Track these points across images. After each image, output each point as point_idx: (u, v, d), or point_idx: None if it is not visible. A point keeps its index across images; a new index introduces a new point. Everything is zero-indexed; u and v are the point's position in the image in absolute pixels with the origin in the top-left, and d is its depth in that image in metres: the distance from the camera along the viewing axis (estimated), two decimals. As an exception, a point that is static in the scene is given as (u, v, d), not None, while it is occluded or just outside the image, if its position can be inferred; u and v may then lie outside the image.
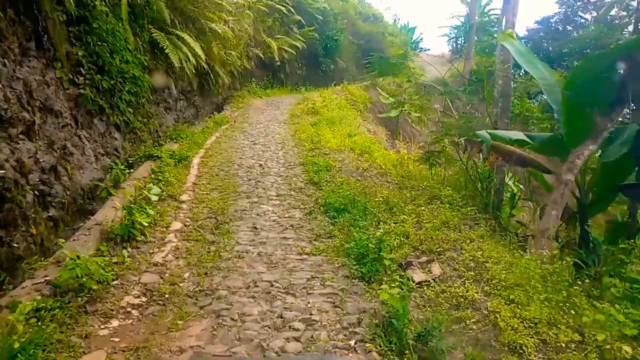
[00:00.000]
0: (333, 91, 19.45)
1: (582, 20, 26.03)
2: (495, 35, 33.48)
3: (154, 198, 6.32)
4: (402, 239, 5.35)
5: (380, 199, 6.88)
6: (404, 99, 20.01)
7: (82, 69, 7.25)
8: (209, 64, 13.42)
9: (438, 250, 5.05)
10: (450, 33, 34.38)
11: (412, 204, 6.59)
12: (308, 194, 7.43)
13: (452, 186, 7.73)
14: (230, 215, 6.45)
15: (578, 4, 25.96)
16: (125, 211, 5.28)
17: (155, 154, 8.27)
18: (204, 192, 7.32)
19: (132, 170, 7.69)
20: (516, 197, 8.19)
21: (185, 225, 6.04)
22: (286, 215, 6.51)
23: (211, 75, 13.47)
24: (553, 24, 26.11)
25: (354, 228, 5.71)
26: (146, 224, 5.48)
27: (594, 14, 26.01)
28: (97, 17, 7.64)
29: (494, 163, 7.35)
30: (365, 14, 29.30)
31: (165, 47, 9.85)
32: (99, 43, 7.62)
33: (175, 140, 10.20)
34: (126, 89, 8.63)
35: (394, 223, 5.90)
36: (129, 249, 5.04)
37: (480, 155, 7.89)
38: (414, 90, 24.78)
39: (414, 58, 30.96)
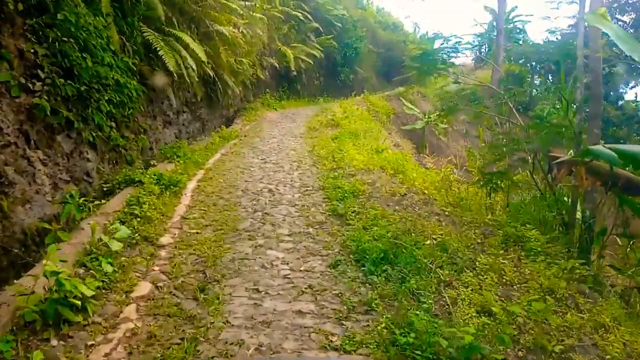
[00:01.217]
0: (353, 102, 17.49)
1: (620, 23, 23.67)
2: (521, 42, 31.11)
3: (116, 247, 4.38)
4: (484, 319, 3.28)
5: (433, 241, 4.83)
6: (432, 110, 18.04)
7: (40, 71, 5.45)
8: (216, 72, 11.61)
9: (556, 349, 2.95)
10: (473, 41, 32.23)
11: (483, 253, 4.51)
12: (331, 231, 5.40)
13: (525, 220, 5.63)
14: (224, 267, 4.47)
15: (614, 6, 23.65)
16: (53, 278, 3.32)
17: (137, 179, 6.38)
18: (194, 231, 5.36)
19: (104, 202, 5.80)
20: (606, 233, 6.03)
21: (157, 287, 4.06)
22: (302, 268, 4.48)
23: (219, 84, 11.63)
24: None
25: (404, 296, 3.66)
26: (91, 293, 3.54)
27: (633, 15, 23.67)
28: (63, 7, 5.83)
29: (586, 188, 5.25)
30: (385, 22, 27.43)
31: (158, 48, 8.02)
32: (65, 39, 5.80)
33: (170, 160, 8.32)
34: (105, 98, 6.82)
35: (464, 287, 3.84)
36: (52, 342, 3.10)
37: (555, 174, 5.79)
38: (440, 100, 22.72)
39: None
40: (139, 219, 5.25)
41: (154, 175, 6.56)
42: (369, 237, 4.94)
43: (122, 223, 5.08)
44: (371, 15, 25.94)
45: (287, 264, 4.59)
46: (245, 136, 12.13)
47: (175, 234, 5.26)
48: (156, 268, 4.46)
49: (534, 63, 26.50)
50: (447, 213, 5.92)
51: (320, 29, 19.54)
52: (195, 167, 8.10)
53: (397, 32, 26.75)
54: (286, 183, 7.44)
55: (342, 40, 20.63)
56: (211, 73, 10.89)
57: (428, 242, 4.75)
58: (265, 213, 5.99)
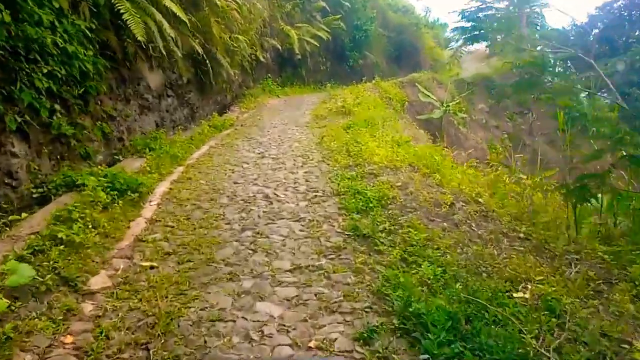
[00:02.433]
0: (364, 88, 15.49)
1: (652, 4, 21.46)
2: (538, 27, 28.58)
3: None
4: None
5: (522, 290, 2.93)
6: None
7: None
8: (206, 49, 9.66)
9: None
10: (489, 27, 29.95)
11: (614, 315, 2.61)
12: (355, 265, 3.49)
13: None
14: (181, 337, 2.61)
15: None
16: None
17: (79, 181, 4.50)
18: (148, 264, 3.49)
19: (24, 216, 3.93)
20: None
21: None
22: (312, 344, 2.60)
23: (210, 64, 9.68)
24: (617, 10, 21.60)
25: None
26: None
27: (666, -5, 21.43)
28: None
29: None
30: (395, 5, 25.27)
31: (121, 10, 6.08)
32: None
33: (141, 153, 6.45)
34: (44, 71, 4.95)
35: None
36: None
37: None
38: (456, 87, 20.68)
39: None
40: (62, 248, 3.37)
41: (106, 176, 4.67)
42: (416, 281, 3.05)
43: (33, 255, 3.21)
44: (381, -4, 23.81)
45: (287, 331, 2.70)
46: (241, 125, 10.22)
47: (117, 271, 3.38)
48: (68, 340, 2.60)
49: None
50: (521, 234, 4.02)
51: (327, 8, 17.48)
52: (171, 164, 6.22)
53: (408, 16, 24.61)
54: (288, 185, 5.53)
55: (350, 22, 18.57)
56: (199, 50, 8.95)
57: (519, 293, 2.84)
58: (258, 233, 4.09)
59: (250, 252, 3.72)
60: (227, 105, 12.78)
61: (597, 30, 21.47)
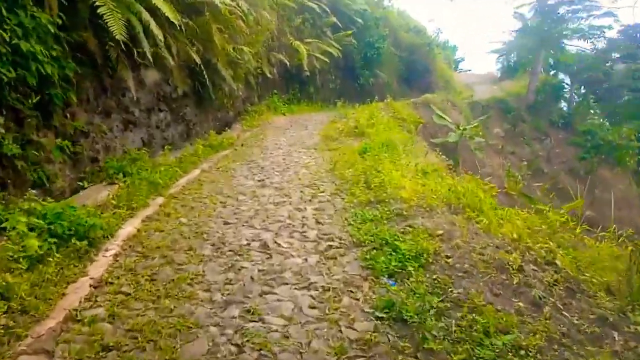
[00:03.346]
0: (376, 108, 14.27)
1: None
2: (551, 51, 27.26)
3: None
4: None
5: None
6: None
7: None
8: (205, 59, 8.49)
9: None
10: (502, 50, 28.86)
11: None
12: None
13: None
14: None
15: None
16: None
17: (4, 224, 3.19)
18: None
19: None
20: None
21: None
22: None
23: (209, 76, 8.47)
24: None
25: None
26: None
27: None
28: None
29: None
30: (406, 25, 24.28)
31: (97, 2, 4.88)
32: None
33: (114, 179, 5.16)
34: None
35: None
36: None
37: None
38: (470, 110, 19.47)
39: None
40: None
41: (46, 215, 3.36)
42: None
43: None
44: (392, 15, 22.81)
45: None
46: (242, 145, 8.96)
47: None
48: None
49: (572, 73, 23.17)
50: (635, 327, 2.67)
51: (339, 24, 16.40)
52: (149, 194, 4.91)
53: (420, 36, 23.58)
54: (294, 229, 4.18)
55: (362, 39, 17.47)
56: (197, 59, 7.74)
57: None
58: (248, 311, 2.75)
59: (235, 349, 2.38)
60: (229, 122, 11.56)
61: (617, 55, 20.32)
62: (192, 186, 5.57)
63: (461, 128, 15.62)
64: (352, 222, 4.29)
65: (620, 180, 16.95)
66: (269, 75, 13.09)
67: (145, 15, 5.45)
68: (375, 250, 3.57)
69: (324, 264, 3.44)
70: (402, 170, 6.37)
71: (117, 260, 3.33)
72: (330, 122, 11.57)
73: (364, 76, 17.93)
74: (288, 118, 13.07)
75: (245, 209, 4.71)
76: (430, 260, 3.39)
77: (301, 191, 5.50)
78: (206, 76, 8.25)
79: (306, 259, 3.51)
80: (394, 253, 3.47)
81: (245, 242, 3.78)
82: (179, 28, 6.92)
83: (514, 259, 3.37)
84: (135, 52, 5.87)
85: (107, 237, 3.64)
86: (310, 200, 5.08)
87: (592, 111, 21.97)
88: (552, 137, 19.56)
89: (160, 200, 4.87)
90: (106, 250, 3.47)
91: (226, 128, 11.06)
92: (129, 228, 3.92)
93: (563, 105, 24.20)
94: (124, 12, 5.20)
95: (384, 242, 3.69)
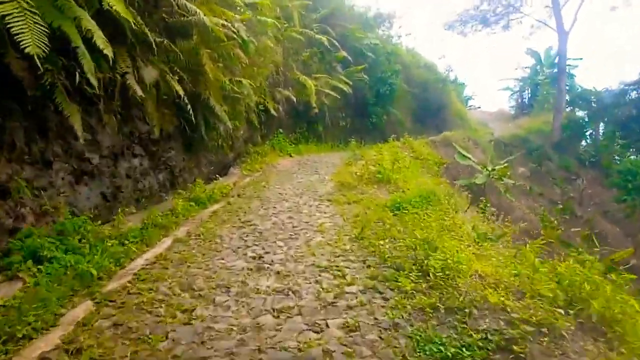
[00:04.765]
0: (393, 147, 12.39)
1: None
2: (567, 87, 25.56)
3: None
4: None
5: None
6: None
7: None
8: (193, 92, 6.68)
9: None
10: (515, 86, 27.32)
11: None
12: None
13: None
14: None
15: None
16: None
17: None
18: None
19: None
20: None
21: None
22: None
23: (191, 112, 6.60)
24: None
25: None
26: None
27: None
28: None
29: None
30: (417, 62, 22.85)
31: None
32: None
33: (19, 270, 3.16)
34: None
35: None
36: None
37: None
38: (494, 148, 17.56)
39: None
40: None
41: None
42: None
43: None
44: (402, 52, 21.40)
45: None
46: (238, 196, 7.02)
47: None
48: None
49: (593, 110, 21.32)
50: None
51: (349, 58, 14.85)
52: (72, 294, 2.93)
53: (432, 72, 22.10)
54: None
55: (374, 74, 15.89)
56: (180, 90, 5.90)
57: None
58: None
59: None
60: (227, 166, 9.69)
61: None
62: (148, 273, 3.56)
63: (489, 169, 13.65)
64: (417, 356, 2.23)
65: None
66: (273, 112, 11.33)
67: (88, 23, 3.61)
68: None
69: None
70: (457, 236, 4.34)
71: None
72: (344, 165, 9.67)
73: (377, 114, 16.20)
74: (295, 160, 11.20)
75: (221, 330, 2.66)
76: None
77: (317, 281, 3.47)
78: (192, 112, 6.39)
79: None
80: None
81: None
82: (154, 49, 5.14)
83: None
84: (77, 78, 4.02)
85: None
86: (332, 305, 3.03)
87: (617, 146, 20.00)
88: (582, 177, 17.49)
89: (86, 306, 2.86)
90: None
91: (223, 173, 9.18)
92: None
93: (583, 143, 22.30)
94: (51, 16, 3.38)
95: None
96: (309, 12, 13.72)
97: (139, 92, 4.93)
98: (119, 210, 5.39)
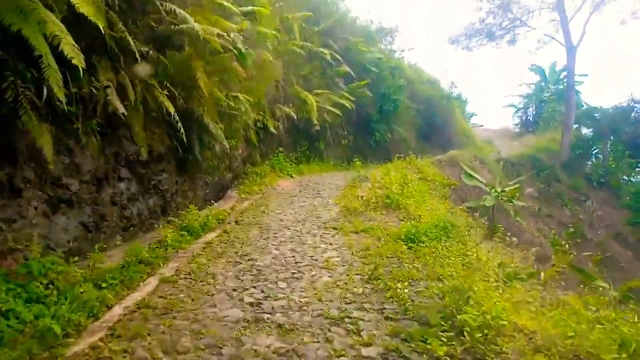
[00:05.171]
0: (399, 167, 11.88)
1: None
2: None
3: None
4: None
5: None
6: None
7: None
8: (186, 108, 6.19)
9: None
10: (519, 103, 26.97)
11: None
12: None
13: None
14: None
15: None
16: None
17: None
18: None
19: None
20: None
21: None
22: None
23: (182, 130, 6.07)
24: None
25: None
26: None
27: None
28: None
29: None
30: (419, 78, 22.53)
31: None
32: None
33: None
34: None
35: None
36: None
37: None
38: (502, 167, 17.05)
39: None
40: None
41: None
42: None
43: None
44: (405, 67, 21.08)
45: None
46: (236, 223, 6.44)
47: None
48: None
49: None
50: None
51: (352, 73, 14.44)
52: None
53: (435, 88, 21.74)
54: None
55: (377, 90, 15.46)
56: (170, 107, 5.39)
57: None
58: None
59: None
60: (225, 187, 9.13)
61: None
62: (126, 327, 2.96)
63: (498, 190, 13.11)
64: None
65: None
66: (273, 130, 10.84)
67: (55, 27, 3.09)
68: None
69: None
70: (483, 274, 3.77)
71: None
72: (348, 187, 9.13)
73: (380, 131, 15.73)
74: (296, 180, 10.65)
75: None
76: None
77: (327, 339, 2.86)
78: (185, 131, 5.87)
79: None
80: None
81: None
82: (138, 61, 4.64)
83: None
84: (45, 92, 3.49)
85: None
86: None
87: (625, 166, 19.49)
88: (592, 198, 16.96)
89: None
90: None
91: (220, 196, 8.63)
92: None
93: (589, 162, 21.79)
94: (10, 18, 2.87)
95: None
96: (310, 25, 13.33)
97: (121, 110, 4.39)
98: (103, 240, 4.84)
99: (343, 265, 4.32)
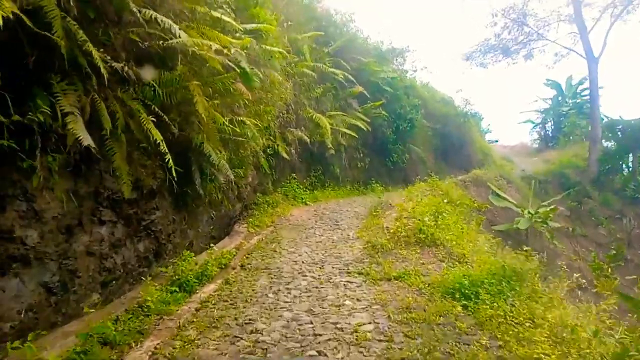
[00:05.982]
0: (422, 190, 10.64)
1: None
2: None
3: None
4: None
5: None
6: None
7: None
8: (176, 135, 5.13)
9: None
10: (537, 119, 25.59)
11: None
12: None
13: None
14: None
15: None
16: None
17: None
18: None
19: None
20: None
21: None
22: None
23: (169, 159, 5.00)
24: None
25: None
26: None
27: None
28: None
29: None
30: (433, 97, 21.44)
31: None
32: None
33: None
34: None
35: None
36: None
37: None
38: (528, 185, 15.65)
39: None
40: None
41: None
42: None
43: None
44: (417, 86, 20.04)
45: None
46: (241, 267, 5.29)
47: None
48: None
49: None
50: None
51: (366, 94, 13.41)
52: None
53: (450, 107, 20.61)
54: None
55: (392, 110, 14.39)
56: (157, 135, 4.33)
57: None
58: None
59: None
60: (232, 220, 8.02)
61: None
62: None
63: (531, 211, 11.74)
64: None
65: None
66: (285, 155, 9.76)
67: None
68: None
69: None
70: (576, 353, 2.51)
71: None
72: (370, 216, 7.94)
73: (397, 152, 14.57)
74: (311, 209, 9.50)
75: None
76: None
77: None
78: (182, 162, 4.80)
79: None
80: None
81: None
82: (124, 82, 3.61)
83: None
84: None
85: None
86: None
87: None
88: (629, 216, 15.38)
89: None
90: None
91: (226, 231, 7.51)
92: None
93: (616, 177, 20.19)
94: None
95: None
96: (320, 45, 12.42)
97: (87, 141, 3.33)
98: (73, 303, 3.74)
99: (379, 340, 3.11)
